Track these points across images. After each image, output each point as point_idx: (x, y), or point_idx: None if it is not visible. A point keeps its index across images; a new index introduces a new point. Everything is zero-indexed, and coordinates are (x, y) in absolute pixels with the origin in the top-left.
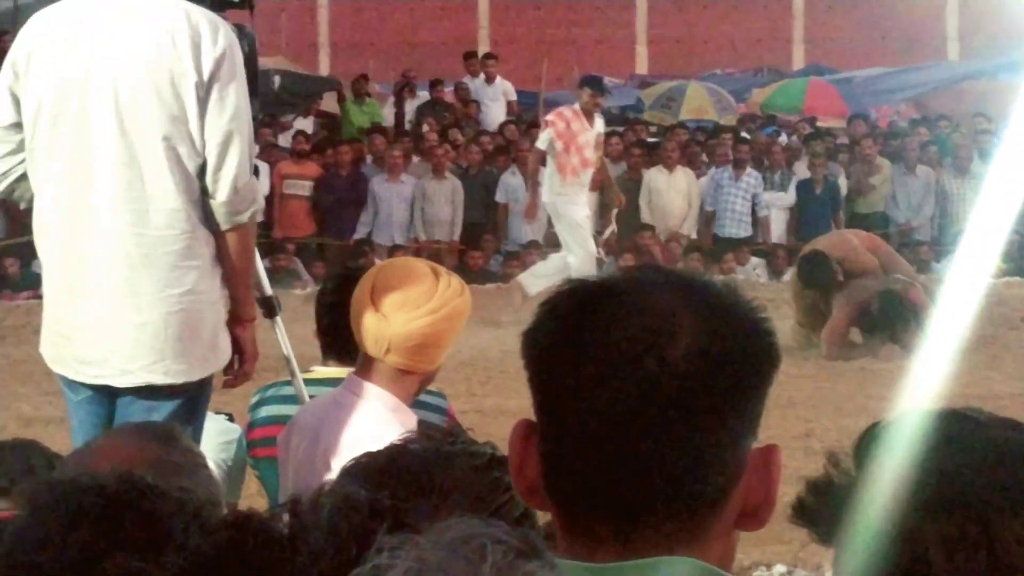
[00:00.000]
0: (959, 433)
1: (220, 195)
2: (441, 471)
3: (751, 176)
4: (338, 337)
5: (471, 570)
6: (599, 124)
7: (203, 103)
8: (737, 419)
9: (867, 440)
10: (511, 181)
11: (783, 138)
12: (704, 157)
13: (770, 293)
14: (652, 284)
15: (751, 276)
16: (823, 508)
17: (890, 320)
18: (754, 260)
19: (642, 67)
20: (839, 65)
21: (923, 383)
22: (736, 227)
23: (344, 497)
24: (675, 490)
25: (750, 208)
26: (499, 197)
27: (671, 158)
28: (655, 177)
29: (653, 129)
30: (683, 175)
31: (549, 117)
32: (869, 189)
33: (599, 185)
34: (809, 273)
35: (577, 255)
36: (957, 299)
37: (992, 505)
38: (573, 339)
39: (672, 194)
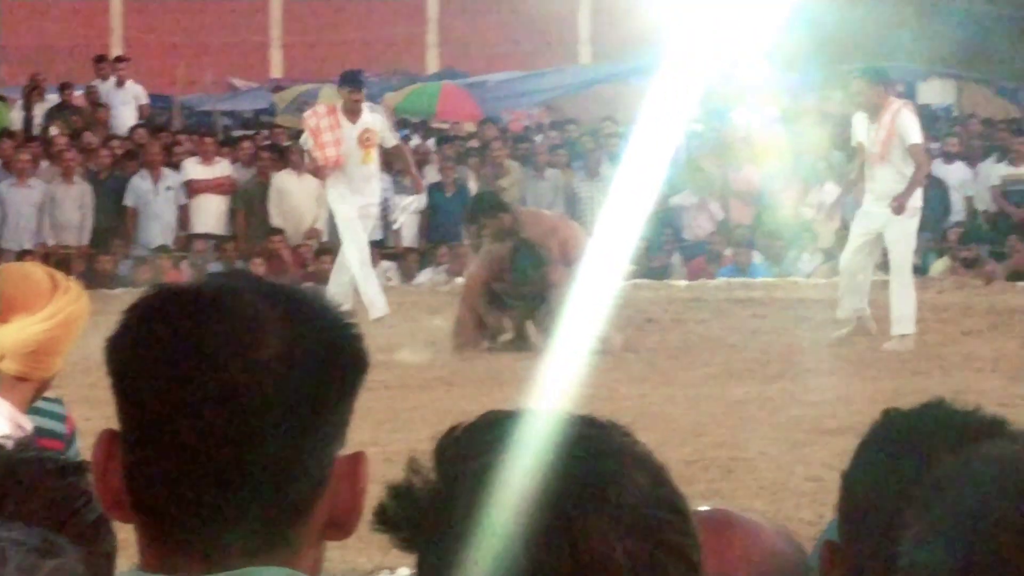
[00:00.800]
0: (541, 432)
1: None
2: (9, 476)
3: (382, 180)
4: None
5: None
6: (368, 119)
7: None
8: (323, 426)
9: (446, 443)
10: (141, 185)
11: (414, 141)
12: None
13: (401, 296)
14: (238, 290)
15: (382, 279)
16: (404, 514)
17: (524, 274)
18: (385, 264)
19: (276, 70)
20: (472, 69)
21: (548, 384)
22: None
23: None
24: (260, 499)
25: (380, 212)
26: (128, 201)
27: (300, 162)
28: (284, 180)
29: (289, 133)
30: (313, 179)
31: (305, 114)
32: (498, 192)
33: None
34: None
35: (348, 250)
36: (587, 301)
37: (573, 501)
38: (156, 345)
39: (302, 197)
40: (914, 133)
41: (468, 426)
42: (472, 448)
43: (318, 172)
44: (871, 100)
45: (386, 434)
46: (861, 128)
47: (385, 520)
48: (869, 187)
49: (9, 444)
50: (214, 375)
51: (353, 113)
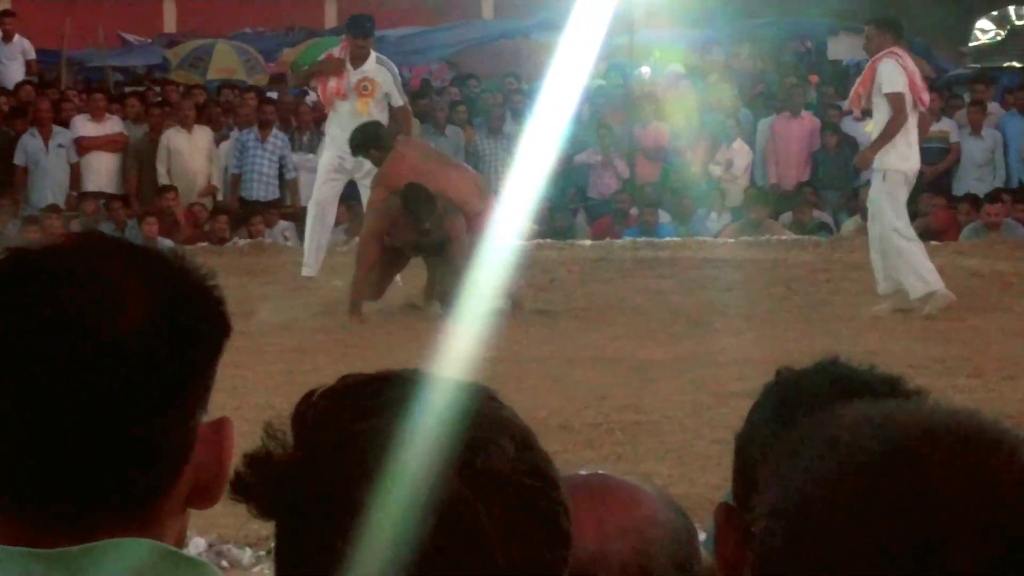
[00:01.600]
0: (404, 397)
1: None
2: None
3: (277, 138)
4: None
5: None
6: (372, 69)
7: None
8: (186, 396)
9: (304, 410)
10: (30, 143)
11: (311, 98)
12: (227, 119)
13: (299, 256)
14: (97, 253)
15: (279, 239)
16: (261, 481)
17: (417, 211)
18: (282, 224)
19: (170, 25)
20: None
21: (448, 345)
22: (264, 190)
23: None
24: (124, 471)
25: (278, 170)
26: (17, 159)
27: (188, 118)
28: (173, 137)
29: (182, 89)
30: (202, 135)
31: (323, 56)
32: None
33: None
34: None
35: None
36: (490, 260)
37: (437, 469)
38: (5, 315)
39: (194, 155)
40: (890, 82)
41: (326, 391)
42: (331, 414)
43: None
44: (878, 47)
45: (281, 398)
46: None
47: (241, 488)
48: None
49: None
50: (72, 347)
51: (358, 59)
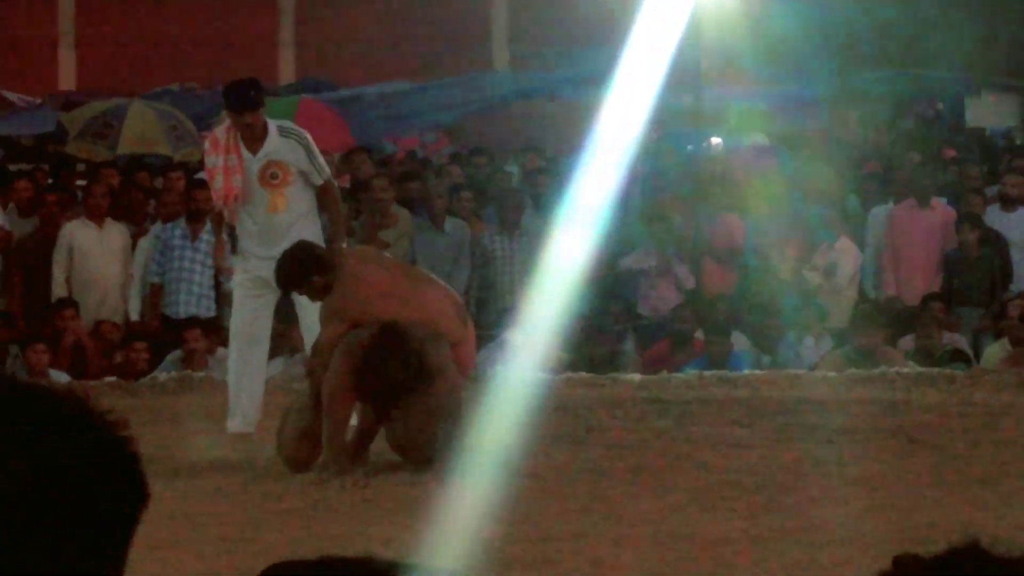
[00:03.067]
0: None
1: None
2: None
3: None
4: None
5: None
6: (276, 145)
7: None
8: None
9: None
10: None
11: None
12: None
13: None
14: None
15: (216, 373)
16: None
17: (387, 365)
18: (221, 352)
19: (68, 81)
20: (340, 79)
21: (455, 516)
22: (195, 305)
23: None
24: None
25: (213, 279)
26: None
27: (98, 207)
28: (78, 233)
29: (82, 168)
30: (117, 232)
31: (206, 143)
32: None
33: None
34: None
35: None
36: (503, 399)
37: None
38: None
39: (105, 258)
40: None
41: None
42: None
43: (217, 218)
44: None
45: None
46: None
47: None
48: None
49: None
50: None
51: (252, 141)
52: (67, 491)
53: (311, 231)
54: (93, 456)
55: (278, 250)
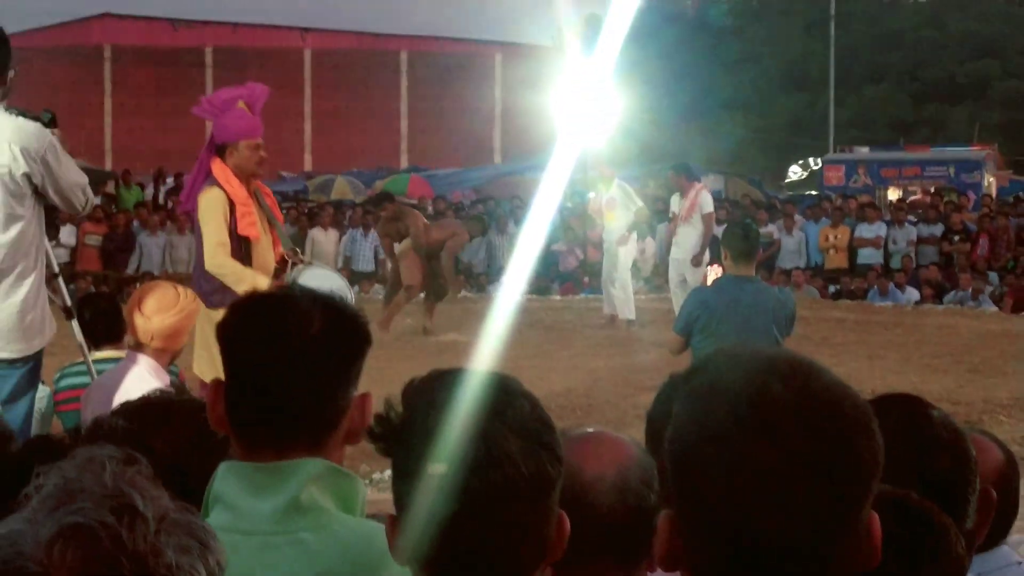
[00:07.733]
0: (466, 381)
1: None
2: (172, 409)
3: (373, 234)
4: (108, 332)
5: (97, 478)
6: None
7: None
8: (345, 376)
9: (408, 389)
10: None
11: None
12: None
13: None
14: (295, 297)
15: (375, 296)
16: (383, 431)
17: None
18: (376, 286)
19: (308, 165)
20: (430, 165)
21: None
22: (365, 264)
23: (93, 422)
24: (309, 419)
25: (374, 253)
26: None
27: (325, 221)
28: (315, 234)
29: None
30: (333, 232)
31: None
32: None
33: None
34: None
35: None
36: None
37: (485, 419)
38: (247, 329)
39: (327, 245)
40: (708, 205)
41: (422, 378)
42: (424, 391)
43: None
44: (678, 184)
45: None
46: (674, 202)
47: (372, 435)
48: (675, 240)
49: (172, 391)
50: (281, 342)
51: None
52: (349, 336)
53: None
54: (355, 321)
55: None
